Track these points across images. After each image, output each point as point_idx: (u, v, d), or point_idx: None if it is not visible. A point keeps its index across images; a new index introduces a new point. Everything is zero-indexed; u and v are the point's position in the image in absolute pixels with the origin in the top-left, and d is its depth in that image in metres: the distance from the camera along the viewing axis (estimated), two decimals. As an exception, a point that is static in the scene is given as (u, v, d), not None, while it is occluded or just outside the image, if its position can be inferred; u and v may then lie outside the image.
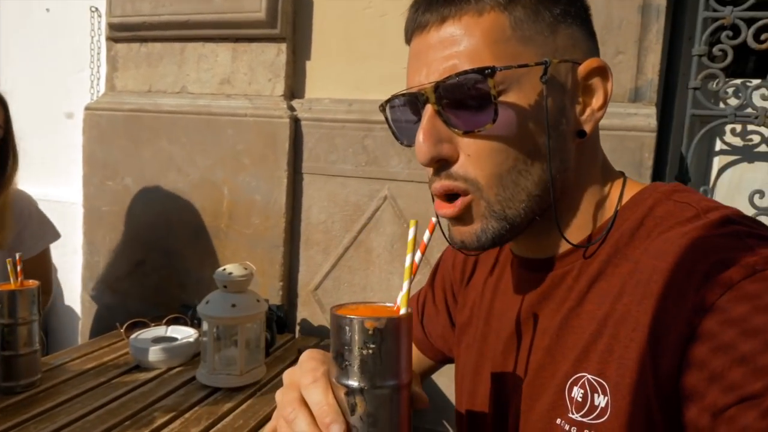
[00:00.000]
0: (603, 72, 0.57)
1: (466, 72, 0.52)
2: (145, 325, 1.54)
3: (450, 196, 0.57)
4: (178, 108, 1.80)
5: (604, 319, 0.54)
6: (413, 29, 0.58)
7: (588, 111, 0.57)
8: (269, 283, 1.73)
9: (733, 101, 1.46)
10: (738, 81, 1.46)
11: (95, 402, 1.15)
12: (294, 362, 1.41)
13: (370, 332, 0.42)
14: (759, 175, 1.53)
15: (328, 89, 1.72)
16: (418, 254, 0.47)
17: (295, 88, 1.76)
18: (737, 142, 1.52)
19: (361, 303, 0.47)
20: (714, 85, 1.46)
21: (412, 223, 0.48)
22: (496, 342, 0.68)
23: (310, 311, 1.75)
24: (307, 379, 0.47)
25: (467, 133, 0.54)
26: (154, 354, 1.35)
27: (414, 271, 0.46)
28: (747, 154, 1.52)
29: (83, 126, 1.92)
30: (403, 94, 0.59)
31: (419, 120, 0.57)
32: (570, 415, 0.54)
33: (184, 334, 1.47)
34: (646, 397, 0.48)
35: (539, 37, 0.54)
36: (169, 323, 1.51)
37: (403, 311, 0.45)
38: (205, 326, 1.25)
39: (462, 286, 0.80)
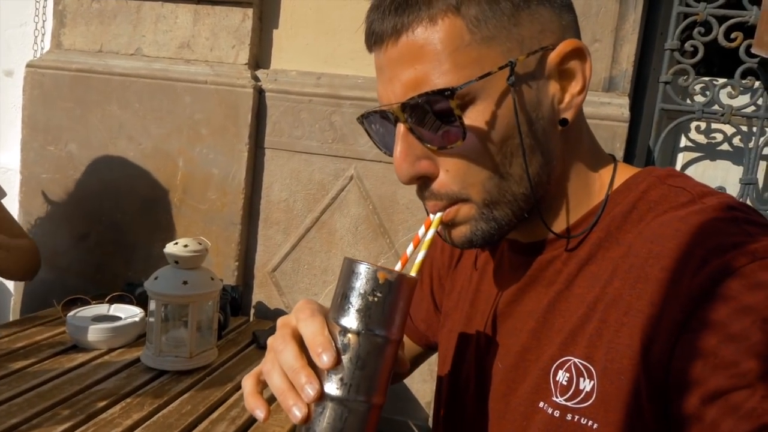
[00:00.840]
0: (579, 54, 0.53)
1: (426, 93, 0.50)
2: (85, 303, 1.42)
3: None
4: (131, 71, 1.67)
5: (594, 303, 0.53)
6: (371, 42, 0.55)
7: (567, 97, 0.54)
8: (224, 263, 1.63)
9: (701, 98, 1.47)
10: (706, 78, 1.47)
11: (24, 384, 1.04)
12: (248, 346, 1.35)
13: (381, 282, 0.45)
14: (720, 173, 1.55)
15: (295, 61, 1.63)
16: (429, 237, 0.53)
17: (260, 58, 1.66)
18: (701, 139, 1.53)
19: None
20: (683, 81, 1.46)
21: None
22: (480, 324, 0.66)
23: (266, 294, 1.66)
24: (304, 314, 0.49)
25: (441, 150, 0.52)
26: (94, 333, 1.24)
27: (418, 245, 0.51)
28: (710, 152, 1.54)
29: (24, 85, 1.76)
30: (376, 111, 0.56)
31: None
32: (554, 398, 0.53)
33: (128, 313, 1.37)
34: (635, 382, 0.47)
35: (502, 33, 0.51)
36: (112, 301, 1.40)
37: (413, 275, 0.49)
38: (152, 305, 1.15)
39: (450, 270, 0.78)
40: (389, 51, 0.52)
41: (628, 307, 0.49)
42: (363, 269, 0.46)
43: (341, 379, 0.45)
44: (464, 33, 0.50)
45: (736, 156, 1.50)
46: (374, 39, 0.54)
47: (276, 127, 1.61)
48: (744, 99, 1.44)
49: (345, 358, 0.45)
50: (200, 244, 1.17)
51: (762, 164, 1.48)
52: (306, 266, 1.63)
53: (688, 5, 1.43)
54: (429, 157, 0.53)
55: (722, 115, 1.43)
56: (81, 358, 1.19)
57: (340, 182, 1.58)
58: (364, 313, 0.45)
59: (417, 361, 0.90)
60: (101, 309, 1.37)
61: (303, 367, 0.47)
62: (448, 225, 0.56)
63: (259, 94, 1.61)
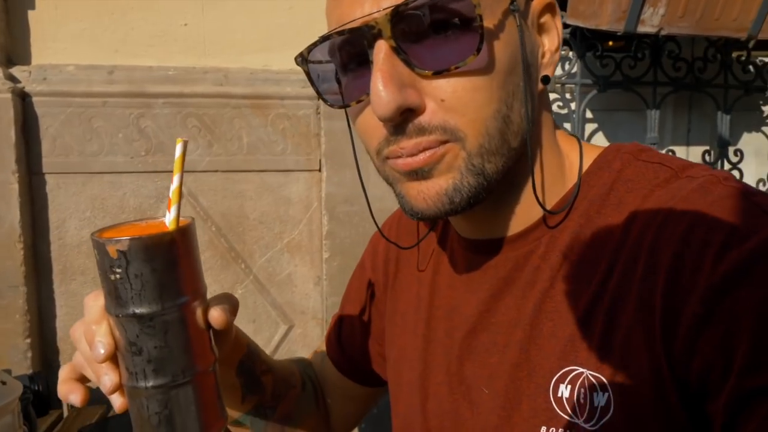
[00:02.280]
0: (552, 9, 0.51)
1: None
2: None
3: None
4: None
5: (593, 301, 0.46)
6: None
7: (547, 53, 0.50)
8: (8, 344, 1.14)
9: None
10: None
11: None
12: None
13: (114, 256, 0.39)
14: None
15: (70, 52, 1.21)
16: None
17: (12, 50, 1.19)
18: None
19: (143, 220, 0.45)
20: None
21: (178, 141, 0.43)
22: (447, 346, 0.56)
23: (81, 370, 1.22)
24: (86, 307, 0.45)
25: (438, 74, 0.43)
26: None
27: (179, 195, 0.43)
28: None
29: None
30: (340, 33, 0.44)
31: (362, 67, 0.45)
32: (559, 419, 0.46)
33: None
34: (660, 388, 0.42)
35: None
36: None
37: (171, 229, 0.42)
38: None
39: (386, 289, 0.67)
40: None
41: (639, 305, 0.43)
42: (95, 245, 0.40)
43: (127, 368, 0.42)
44: None
45: (561, 121, 1.58)
46: None
47: (57, 144, 1.18)
48: (558, 69, 1.52)
49: (121, 347, 0.42)
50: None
51: (588, 127, 1.59)
52: (136, 321, 1.24)
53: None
54: (415, 87, 0.43)
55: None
56: None
57: (166, 204, 1.22)
58: (114, 294, 0.40)
59: (364, 404, 0.76)
60: None
61: (91, 361, 0.44)
62: (420, 175, 0.45)
63: (23, 99, 1.15)
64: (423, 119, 0.44)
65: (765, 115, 1.73)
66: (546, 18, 0.50)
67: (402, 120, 0.44)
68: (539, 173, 0.52)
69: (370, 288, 0.70)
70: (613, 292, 0.45)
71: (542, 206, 0.49)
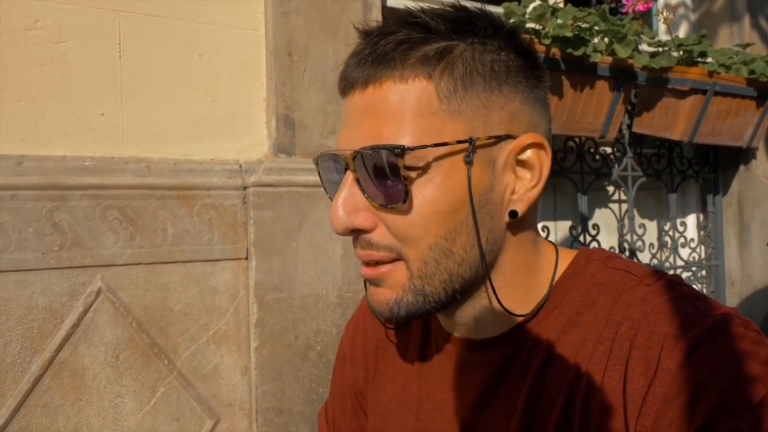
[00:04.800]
0: (540, 148, 0.54)
1: (378, 146, 0.50)
2: None
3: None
4: None
5: (571, 389, 0.52)
6: (343, 87, 0.55)
7: (521, 189, 0.54)
8: None
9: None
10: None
11: None
12: None
13: None
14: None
15: (-31, 141, 1.11)
16: None
17: None
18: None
19: None
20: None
21: None
22: None
23: (-30, 501, 1.05)
24: None
25: (382, 207, 0.52)
26: None
27: None
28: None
29: None
30: (332, 154, 0.55)
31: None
32: None
33: None
34: None
35: (470, 110, 0.51)
36: None
37: None
38: None
39: (368, 382, 0.70)
40: (357, 98, 0.53)
41: (610, 390, 0.50)
42: None
43: None
44: (433, 100, 0.50)
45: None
46: (345, 84, 0.54)
47: (-48, 242, 1.05)
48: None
49: None
50: None
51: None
52: (42, 434, 1.11)
53: None
54: (370, 211, 0.52)
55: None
56: None
57: (80, 302, 1.14)
58: None
59: None
60: None
61: None
62: (373, 283, 0.55)
63: None
64: (373, 237, 0.52)
65: (610, 194, 2.10)
66: (529, 155, 0.53)
67: (356, 234, 0.53)
68: (510, 285, 0.57)
69: (352, 381, 0.72)
70: (588, 379, 0.51)
71: (509, 313, 0.55)
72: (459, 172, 0.51)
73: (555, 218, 1.98)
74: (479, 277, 0.55)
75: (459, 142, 0.50)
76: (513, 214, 0.54)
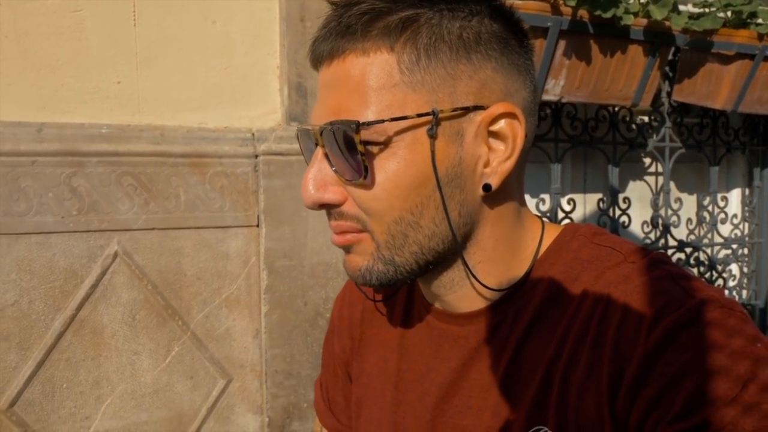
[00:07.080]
0: (512, 118, 0.52)
1: (336, 123, 0.49)
2: None
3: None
4: None
5: (550, 365, 0.52)
6: (312, 61, 0.55)
7: (494, 162, 0.52)
8: None
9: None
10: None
11: None
12: None
13: None
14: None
15: (-7, 108, 1.17)
16: None
17: (-73, 106, 1.13)
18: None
19: None
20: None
21: None
22: (418, 410, 0.60)
23: (2, 443, 1.15)
24: None
25: (348, 182, 0.52)
26: None
27: None
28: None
29: None
30: (306, 129, 0.55)
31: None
32: None
33: None
34: None
35: (434, 81, 0.50)
36: None
37: None
38: None
39: (354, 351, 0.71)
40: (324, 72, 0.53)
41: (588, 370, 0.49)
42: None
43: None
44: (394, 72, 0.49)
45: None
46: (313, 58, 0.54)
47: (-21, 204, 1.12)
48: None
49: None
50: None
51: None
52: (65, 385, 1.19)
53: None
54: (339, 185, 0.52)
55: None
56: None
57: (98, 264, 1.20)
58: None
59: None
60: None
61: None
62: (345, 249, 0.56)
63: (-60, 159, 1.09)
64: (343, 208, 0.53)
65: (645, 166, 2.00)
66: (502, 125, 0.51)
67: (327, 208, 0.54)
68: (491, 260, 0.56)
69: (341, 351, 0.73)
70: (567, 357, 0.51)
71: (486, 287, 0.55)
72: (422, 145, 0.50)
73: (585, 191, 1.91)
74: (455, 250, 0.54)
75: (420, 115, 0.49)
76: (486, 187, 0.52)
